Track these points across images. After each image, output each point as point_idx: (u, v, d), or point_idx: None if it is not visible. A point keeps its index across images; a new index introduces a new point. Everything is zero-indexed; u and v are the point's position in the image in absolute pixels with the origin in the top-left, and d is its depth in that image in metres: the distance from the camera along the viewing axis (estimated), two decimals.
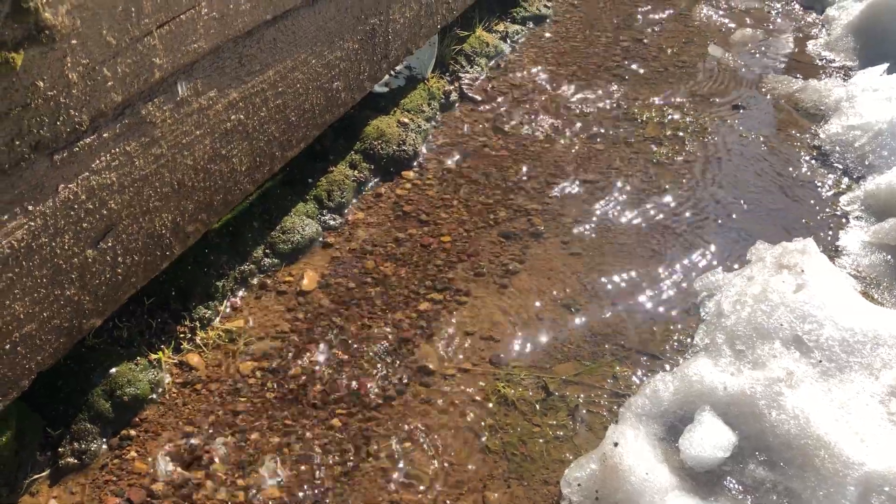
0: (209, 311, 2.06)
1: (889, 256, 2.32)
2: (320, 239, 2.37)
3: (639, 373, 1.96)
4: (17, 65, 1.30)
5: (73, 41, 1.40)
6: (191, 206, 1.87)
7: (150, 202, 1.73)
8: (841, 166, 2.80)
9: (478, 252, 2.35)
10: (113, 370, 1.83)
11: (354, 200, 2.54)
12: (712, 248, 2.40)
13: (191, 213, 1.88)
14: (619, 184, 2.68)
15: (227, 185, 2.01)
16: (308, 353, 1.99)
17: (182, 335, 1.99)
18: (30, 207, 1.42)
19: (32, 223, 1.44)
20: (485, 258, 2.33)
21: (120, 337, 1.89)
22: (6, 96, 1.30)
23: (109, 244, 1.64)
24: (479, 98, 3.20)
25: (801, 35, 3.87)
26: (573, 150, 2.86)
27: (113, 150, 1.58)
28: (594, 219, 2.52)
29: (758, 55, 3.65)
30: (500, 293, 2.21)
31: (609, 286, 2.25)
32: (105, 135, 1.55)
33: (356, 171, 2.60)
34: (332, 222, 2.43)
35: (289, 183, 2.47)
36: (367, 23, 2.49)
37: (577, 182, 2.69)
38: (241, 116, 1.99)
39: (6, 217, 1.38)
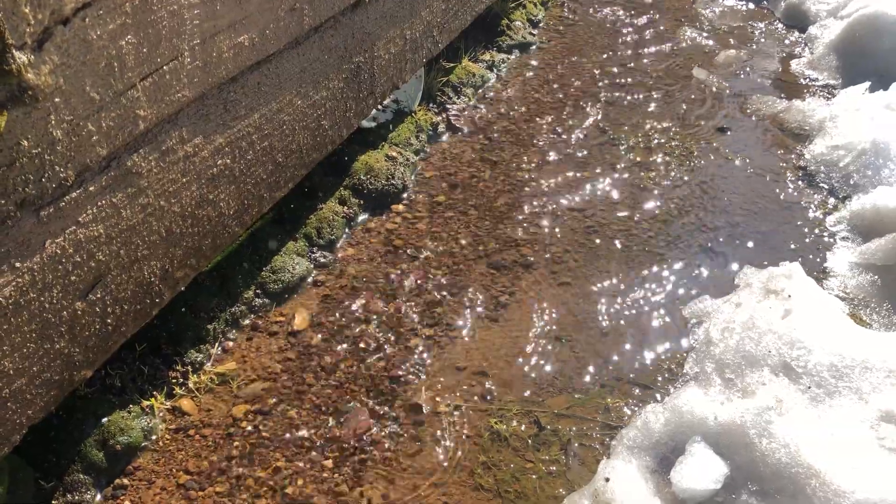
0: (201, 355, 2.06)
1: (876, 277, 2.34)
2: (311, 277, 2.38)
3: (630, 403, 1.97)
4: (0, 126, 1.32)
5: (57, 99, 1.42)
6: (179, 253, 1.89)
7: (139, 251, 1.74)
8: (827, 186, 2.82)
9: (468, 285, 2.37)
10: (105, 419, 1.83)
11: (344, 237, 2.55)
12: (701, 273, 2.42)
13: (180, 260, 1.90)
14: (606, 211, 2.70)
15: (216, 229, 2.02)
16: (300, 394, 2.00)
17: (174, 380, 1.99)
18: (17, 264, 1.44)
19: (20, 279, 1.45)
20: (475, 291, 2.34)
21: (112, 385, 1.90)
22: None
23: (98, 295, 1.65)
24: (466, 128, 3.22)
25: (784, 54, 3.91)
26: (561, 178, 2.88)
27: (99, 203, 1.59)
28: (582, 247, 2.53)
29: (742, 76, 3.68)
30: (491, 327, 2.22)
31: (599, 316, 2.26)
32: (91, 188, 1.56)
33: (345, 207, 2.62)
34: (322, 260, 2.44)
35: (278, 222, 2.48)
36: (352, 61, 2.52)
37: (566, 210, 2.70)
38: (228, 161, 2.01)
39: None
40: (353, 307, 2.28)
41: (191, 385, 1.99)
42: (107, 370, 1.91)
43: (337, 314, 2.25)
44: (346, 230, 2.58)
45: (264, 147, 2.15)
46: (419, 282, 2.37)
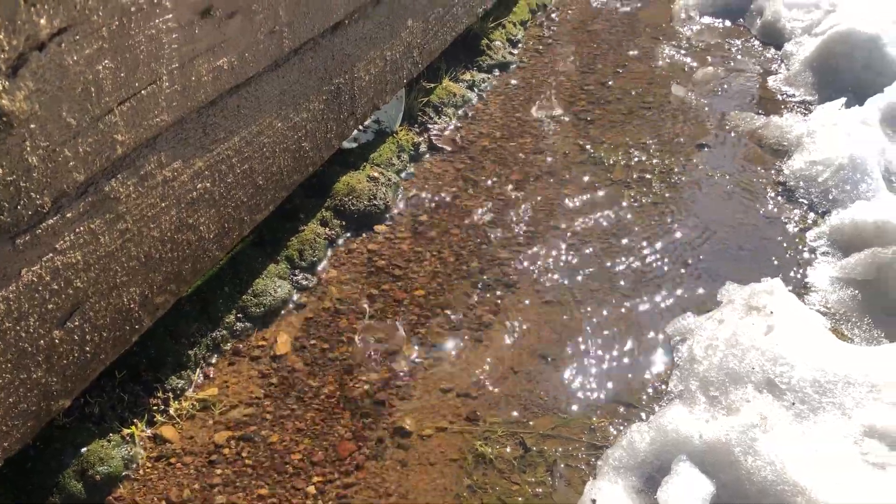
0: (182, 381, 2.04)
1: (856, 291, 2.35)
2: (293, 300, 2.36)
3: (615, 423, 1.96)
4: None
5: (32, 125, 1.41)
6: (159, 278, 1.87)
7: (118, 277, 1.72)
8: (806, 202, 2.84)
9: (452, 305, 2.36)
10: (84, 448, 1.80)
11: (326, 258, 2.54)
12: (683, 290, 2.42)
13: (159, 285, 1.87)
14: (589, 229, 2.71)
15: (196, 253, 2.00)
16: (283, 419, 1.97)
17: (155, 407, 1.96)
18: None
19: None
20: (459, 311, 2.34)
21: (91, 413, 1.87)
22: None
23: (76, 323, 1.62)
24: (448, 148, 3.23)
25: (761, 71, 3.96)
26: (543, 197, 2.89)
27: (77, 230, 1.57)
28: (565, 265, 2.53)
29: (720, 93, 3.72)
30: (476, 347, 2.21)
31: (582, 334, 2.26)
32: (68, 215, 1.54)
33: (327, 229, 2.61)
34: (304, 282, 2.43)
35: (259, 244, 2.47)
36: (332, 83, 2.52)
37: (548, 229, 2.71)
38: (208, 184, 1.99)
39: None
40: (336, 329, 2.26)
41: (172, 412, 1.96)
42: (86, 398, 1.88)
43: (320, 337, 2.23)
44: (328, 251, 2.57)
45: (244, 170, 2.14)
46: (403, 302, 2.36)
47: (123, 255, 1.73)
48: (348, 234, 2.65)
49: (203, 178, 1.97)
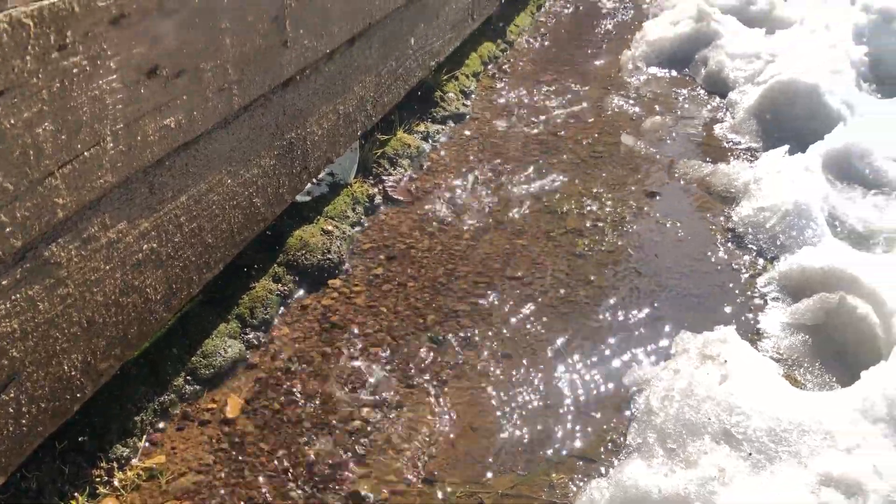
0: (127, 449, 1.96)
1: (807, 336, 2.38)
2: (244, 360, 2.31)
3: (575, 479, 1.94)
4: None
5: None
6: (103, 344, 1.81)
7: (58, 345, 1.66)
8: (755, 248, 2.89)
9: (408, 361, 2.33)
10: None
11: (279, 315, 2.50)
12: (639, 339, 2.43)
13: (103, 351, 1.81)
14: (544, 279, 2.71)
15: (142, 316, 1.95)
16: (233, 487, 1.91)
17: (98, 478, 1.88)
18: None
19: None
20: (416, 368, 2.30)
21: (28, 488, 1.78)
22: None
23: (12, 395, 1.55)
24: (403, 199, 3.23)
25: (707, 119, 4.06)
26: (498, 247, 2.89)
27: (13, 297, 1.52)
28: (522, 317, 2.52)
29: (669, 141, 3.80)
30: (433, 405, 2.17)
31: (541, 387, 2.24)
32: (4, 282, 1.49)
33: (280, 285, 2.57)
34: (256, 341, 2.38)
35: (210, 303, 2.41)
36: (284, 138, 2.50)
37: (504, 280, 2.70)
38: (154, 245, 1.95)
39: None
40: (289, 390, 2.21)
41: (116, 483, 1.88)
42: (22, 473, 1.79)
43: (271, 398, 2.18)
44: (281, 308, 2.52)
45: (193, 228, 2.10)
46: (358, 360, 2.32)
47: (64, 321, 1.67)
48: (302, 290, 2.61)
49: (150, 238, 1.93)
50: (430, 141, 3.71)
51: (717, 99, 4.31)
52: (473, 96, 4.28)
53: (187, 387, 2.18)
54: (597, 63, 4.88)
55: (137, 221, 1.87)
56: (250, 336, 2.39)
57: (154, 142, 1.85)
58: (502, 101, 4.26)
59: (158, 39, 1.80)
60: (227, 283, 2.48)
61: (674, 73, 4.71)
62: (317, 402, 2.16)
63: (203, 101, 2.01)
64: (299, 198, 2.88)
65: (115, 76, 1.67)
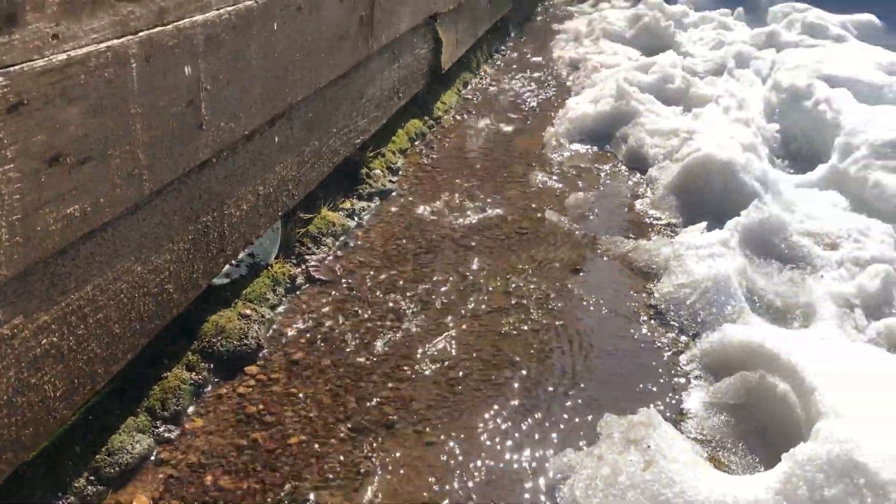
0: None
1: (730, 416, 2.39)
2: (153, 455, 2.19)
3: None
4: None
5: None
6: None
7: None
8: (677, 325, 2.92)
9: (327, 453, 2.24)
10: None
11: (192, 406, 2.38)
12: (564, 424, 2.40)
13: None
14: (468, 361, 2.67)
15: (39, 415, 1.83)
16: None
17: None
18: None
19: None
20: (335, 459, 2.22)
21: None
22: None
23: None
24: (326, 279, 3.17)
25: (628, 195, 4.15)
26: (423, 329, 2.85)
27: None
28: (446, 402, 2.47)
29: (591, 217, 3.86)
30: (353, 497, 2.08)
31: (465, 477, 2.18)
32: None
33: (194, 374, 2.46)
34: (167, 434, 2.26)
35: (117, 395, 2.29)
36: (199, 221, 2.44)
37: (429, 363, 2.66)
38: (55, 339, 1.84)
39: None
40: (201, 487, 2.09)
41: None
42: None
43: (182, 497, 2.06)
44: (195, 398, 2.41)
45: (98, 319, 2.00)
46: (273, 452, 2.22)
47: None
48: (217, 379, 2.51)
49: (49, 332, 1.82)
50: (355, 218, 3.69)
51: (638, 175, 4.43)
52: (401, 172, 4.30)
53: (90, 488, 2.04)
54: (521, 139, 4.97)
55: (36, 315, 1.76)
56: (161, 429, 2.27)
57: (56, 231, 1.77)
58: (429, 177, 4.28)
59: (62, 126, 1.74)
60: (137, 373, 2.36)
61: (596, 149, 4.83)
62: (229, 501, 2.05)
63: (111, 187, 1.94)
64: (217, 280, 2.80)
65: (12, 165, 1.60)
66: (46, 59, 1.65)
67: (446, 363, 2.66)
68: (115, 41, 1.87)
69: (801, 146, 4.86)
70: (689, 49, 7.08)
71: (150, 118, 2.06)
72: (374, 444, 2.28)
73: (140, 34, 1.97)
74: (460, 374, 2.61)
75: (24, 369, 1.75)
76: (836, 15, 7.01)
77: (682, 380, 2.61)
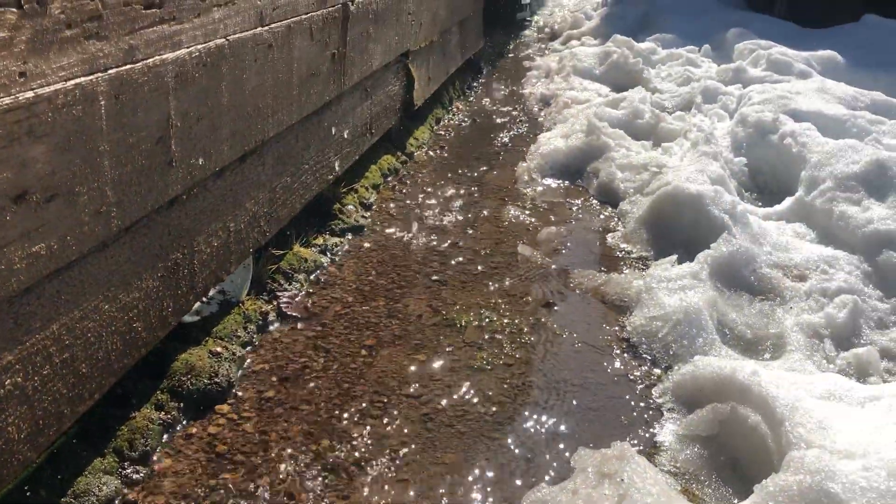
0: None
1: (702, 448, 2.40)
2: (119, 498, 2.14)
3: None
4: None
5: None
6: None
7: None
8: (649, 357, 2.93)
9: (300, 492, 2.20)
10: None
11: (161, 446, 2.34)
12: (538, 458, 2.39)
13: None
14: (442, 396, 2.66)
15: (2, 458, 1.78)
16: None
17: None
18: None
19: None
20: (307, 499, 2.18)
21: None
22: None
23: None
24: (298, 315, 3.15)
25: (600, 229, 4.19)
26: (396, 365, 2.83)
27: None
28: (418, 438, 2.45)
29: (564, 251, 3.88)
30: None
31: None
32: None
33: (163, 413, 2.42)
34: (135, 476, 2.21)
35: (83, 436, 2.24)
36: (169, 258, 2.42)
37: (402, 398, 2.64)
38: (19, 379, 1.81)
39: None
40: None
41: None
42: None
43: None
44: (164, 438, 2.37)
45: (64, 359, 1.97)
46: (244, 493, 2.18)
47: None
48: (187, 418, 2.47)
49: (13, 372, 1.79)
50: (328, 254, 3.68)
51: (609, 209, 4.47)
52: (374, 208, 4.31)
53: None
54: (494, 174, 5.02)
55: None
56: (129, 471, 2.22)
57: (21, 270, 1.74)
58: (403, 212, 4.29)
59: (28, 164, 1.73)
60: (103, 414, 2.32)
61: (567, 183, 4.88)
62: None
63: (78, 225, 1.92)
64: (187, 318, 2.77)
65: None
66: (13, 96, 1.65)
67: (419, 398, 2.65)
68: (84, 79, 1.87)
69: (767, 179, 4.94)
70: (657, 85, 7.20)
71: (119, 155, 2.05)
72: (347, 483, 2.25)
73: (109, 72, 1.97)
74: (433, 409, 2.59)
75: None
76: (799, 52, 7.18)
77: (655, 412, 2.61)
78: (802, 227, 4.12)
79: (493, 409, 2.61)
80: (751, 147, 5.21)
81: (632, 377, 2.82)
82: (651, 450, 2.42)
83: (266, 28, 2.89)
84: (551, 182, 4.89)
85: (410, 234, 3.97)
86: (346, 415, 2.54)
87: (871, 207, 3.89)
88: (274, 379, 2.71)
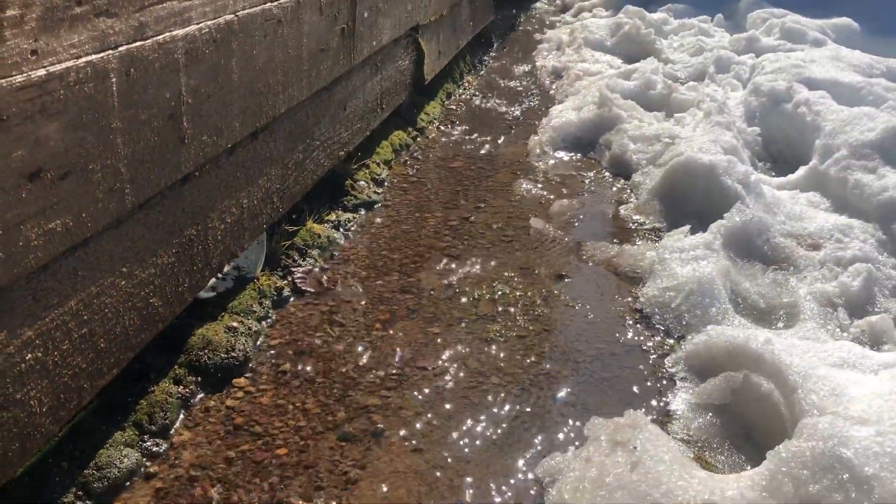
0: None
1: (715, 417, 2.41)
2: (142, 469, 2.18)
3: None
4: None
5: None
6: None
7: None
8: (662, 327, 2.94)
9: (316, 462, 2.24)
10: None
11: (180, 419, 2.38)
12: (552, 427, 2.41)
13: None
14: (456, 368, 2.68)
15: (25, 431, 1.82)
16: None
17: None
18: None
19: None
20: (323, 468, 2.22)
21: None
22: None
23: None
24: (313, 290, 3.17)
25: (613, 201, 4.18)
26: (410, 337, 2.86)
27: None
28: (434, 409, 2.48)
29: (576, 223, 3.88)
30: None
31: (454, 481, 2.19)
32: None
33: (181, 387, 2.46)
34: (155, 448, 2.25)
35: (104, 411, 2.29)
36: (183, 235, 2.44)
37: (416, 370, 2.66)
38: (39, 354, 1.84)
39: None
40: (191, 499, 2.09)
41: None
42: None
43: None
44: (182, 412, 2.41)
45: (83, 334, 2.00)
46: (262, 463, 2.22)
47: None
48: (204, 392, 2.50)
49: (34, 347, 1.82)
50: (341, 230, 3.70)
51: (622, 181, 4.46)
52: (386, 183, 4.31)
53: (78, 503, 2.03)
54: (506, 148, 5.00)
55: (20, 331, 1.76)
56: (149, 443, 2.26)
57: (38, 247, 1.77)
58: (414, 187, 4.30)
59: (42, 142, 1.74)
60: (123, 387, 2.36)
61: (579, 156, 4.86)
62: None
63: (92, 202, 1.94)
64: (202, 294, 2.80)
65: None
66: (25, 75, 1.66)
67: (434, 370, 2.67)
68: (95, 56, 1.88)
69: (781, 149, 4.91)
70: (669, 55, 7.14)
71: (131, 132, 2.07)
72: (364, 452, 2.28)
73: (120, 49, 1.98)
74: (447, 380, 2.62)
75: (9, 385, 1.75)
76: (813, 20, 7.09)
77: (668, 382, 2.63)
78: (816, 196, 4.10)
79: (506, 379, 2.63)
80: (764, 116, 5.17)
81: (645, 347, 2.83)
82: (664, 418, 2.43)
83: (275, 3, 2.88)
84: (563, 155, 4.88)
85: (422, 209, 3.98)
86: (361, 387, 2.57)
87: (887, 175, 3.86)
88: (290, 353, 2.74)
